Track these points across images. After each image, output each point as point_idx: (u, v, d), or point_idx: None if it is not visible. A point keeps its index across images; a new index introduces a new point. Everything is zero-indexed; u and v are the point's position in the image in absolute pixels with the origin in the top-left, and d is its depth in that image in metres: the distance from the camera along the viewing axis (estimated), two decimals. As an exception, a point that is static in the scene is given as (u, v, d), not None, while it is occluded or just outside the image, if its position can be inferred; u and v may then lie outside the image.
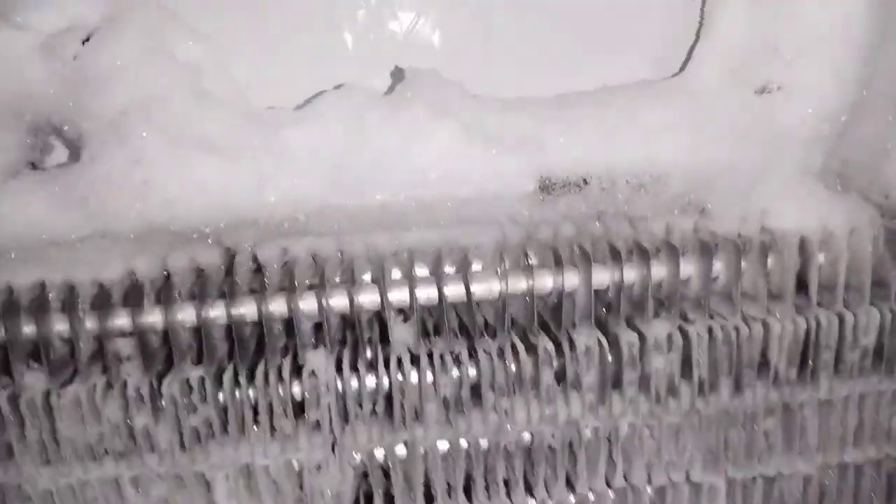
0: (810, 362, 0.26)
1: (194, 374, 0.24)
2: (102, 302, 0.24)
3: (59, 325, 0.25)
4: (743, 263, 0.26)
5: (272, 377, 0.25)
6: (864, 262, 0.26)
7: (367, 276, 0.27)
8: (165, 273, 0.26)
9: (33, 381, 0.25)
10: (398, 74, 0.25)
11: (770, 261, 0.26)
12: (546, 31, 0.27)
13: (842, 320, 0.26)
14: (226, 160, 0.23)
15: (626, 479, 0.27)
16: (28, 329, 0.25)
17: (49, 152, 0.27)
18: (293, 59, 0.26)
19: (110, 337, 0.24)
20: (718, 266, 0.26)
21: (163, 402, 0.24)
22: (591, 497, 0.28)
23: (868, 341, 0.26)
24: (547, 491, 0.27)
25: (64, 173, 0.25)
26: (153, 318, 0.24)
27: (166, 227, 0.25)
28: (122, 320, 0.25)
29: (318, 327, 0.26)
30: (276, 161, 0.24)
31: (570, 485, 0.27)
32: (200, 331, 0.25)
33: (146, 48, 0.24)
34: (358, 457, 0.27)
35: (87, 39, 0.24)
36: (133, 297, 0.24)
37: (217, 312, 0.25)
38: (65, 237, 0.25)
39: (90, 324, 0.24)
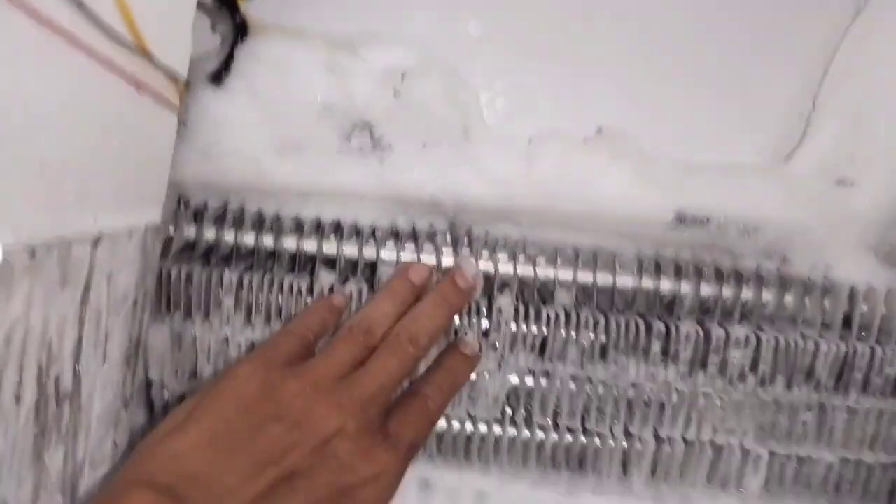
0: (845, 378, 0.39)
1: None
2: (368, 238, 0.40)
3: (347, 248, 0.41)
4: (807, 299, 0.39)
5: (473, 310, 0.40)
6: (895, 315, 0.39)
7: (542, 258, 0.41)
8: (415, 229, 0.42)
9: (325, 278, 0.41)
10: (599, 130, 0.41)
11: (826, 301, 0.39)
12: (703, 116, 0.42)
13: (873, 352, 0.38)
14: (481, 170, 0.39)
15: (696, 435, 0.40)
16: (327, 247, 0.41)
17: (352, 138, 0.43)
18: (534, 108, 0.41)
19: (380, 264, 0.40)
20: (789, 298, 0.39)
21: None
22: (668, 444, 0.41)
23: (891, 371, 0.38)
24: (639, 429, 0.40)
25: (372, 155, 0.41)
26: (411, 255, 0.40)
27: (429, 202, 0.40)
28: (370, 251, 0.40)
29: (504, 285, 0.41)
30: (508, 171, 0.40)
31: (655, 430, 0.41)
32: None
33: (440, 89, 0.40)
34: (513, 376, 0.41)
35: (403, 77, 0.41)
36: (386, 239, 0.40)
37: (448, 261, 0.40)
38: (363, 194, 0.41)
39: (368, 251, 0.40)
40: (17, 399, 0.25)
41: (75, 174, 0.27)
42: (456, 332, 0.40)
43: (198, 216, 0.41)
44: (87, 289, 0.30)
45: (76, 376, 0.30)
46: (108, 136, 0.29)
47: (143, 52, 0.29)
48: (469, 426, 0.41)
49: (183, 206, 0.42)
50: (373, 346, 0.35)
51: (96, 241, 0.30)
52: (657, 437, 0.41)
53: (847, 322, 0.39)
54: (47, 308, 0.26)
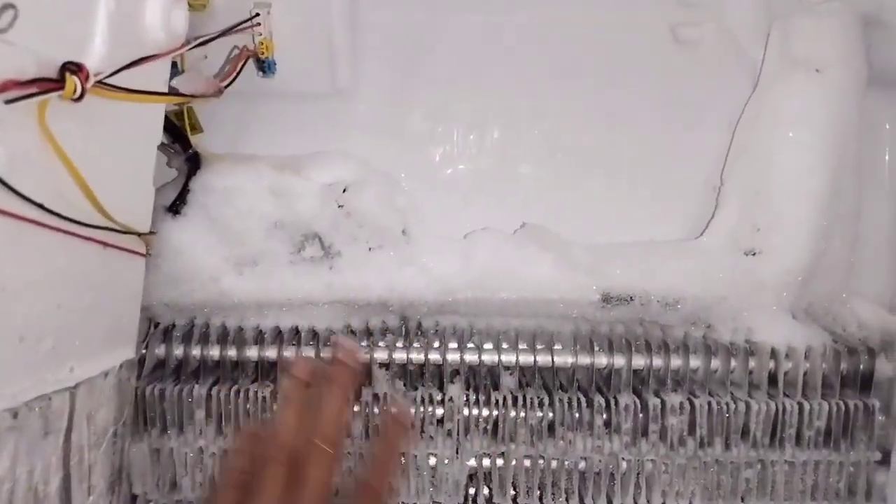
0: (779, 433, 0.44)
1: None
2: (327, 341, 0.46)
3: (306, 353, 0.47)
4: (732, 362, 0.44)
5: (426, 400, 0.46)
6: (817, 370, 0.44)
7: (488, 345, 0.47)
8: (368, 327, 0.48)
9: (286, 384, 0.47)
10: (522, 225, 0.47)
11: (751, 362, 0.44)
12: (622, 203, 0.48)
13: (801, 407, 0.44)
14: (419, 267, 0.45)
15: (647, 500, 0.45)
16: (287, 353, 0.47)
17: (305, 249, 0.49)
18: (463, 215, 0.48)
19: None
20: (716, 362, 0.45)
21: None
22: (623, 511, 0.46)
23: (820, 424, 0.43)
24: (593, 500, 0.45)
25: (322, 263, 0.47)
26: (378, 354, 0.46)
27: (377, 302, 0.46)
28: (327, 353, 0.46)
29: (455, 372, 0.47)
30: (447, 267, 0.46)
31: (608, 499, 0.46)
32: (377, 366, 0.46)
33: (380, 197, 0.47)
34: (471, 461, 0.46)
35: (345, 190, 0.47)
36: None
37: (399, 356, 0.46)
38: (317, 300, 0.47)
39: (326, 353, 0.46)
40: (9, 544, 0.31)
41: (51, 335, 0.33)
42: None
43: (167, 336, 0.48)
44: (68, 432, 0.36)
45: (62, 512, 0.36)
46: (80, 294, 0.35)
47: (109, 222, 0.35)
48: (435, 512, 0.47)
49: (153, 327, 0.48)
50: (294, 456, 0.37)
51: (74, 389, 0.36)
52: (611, 505, 0.46)
53: (773, 380, 0.44)
54: (32, 458, 0.32)
